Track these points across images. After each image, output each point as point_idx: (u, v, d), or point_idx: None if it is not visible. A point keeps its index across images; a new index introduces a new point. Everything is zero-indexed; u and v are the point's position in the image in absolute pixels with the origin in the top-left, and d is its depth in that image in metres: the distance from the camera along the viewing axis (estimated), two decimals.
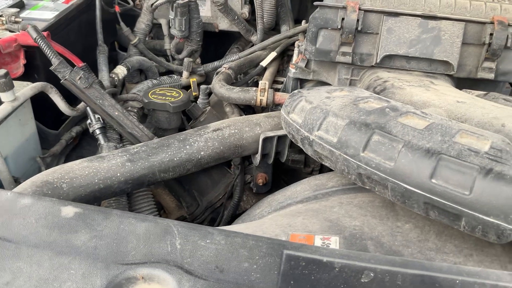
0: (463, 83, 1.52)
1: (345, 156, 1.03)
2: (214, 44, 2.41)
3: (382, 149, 0.97)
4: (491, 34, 1.39)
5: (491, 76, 1.44)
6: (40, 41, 1.44)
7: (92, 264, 0.71)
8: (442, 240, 1.02)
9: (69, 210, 0.80)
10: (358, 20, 1.43)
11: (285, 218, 1.16)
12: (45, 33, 1.53)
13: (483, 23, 1.42)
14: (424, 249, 1.00)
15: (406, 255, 0.98)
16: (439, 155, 0.90)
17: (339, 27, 1.45)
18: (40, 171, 1.45)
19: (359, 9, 1.43)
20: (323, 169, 1.70)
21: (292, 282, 0.69)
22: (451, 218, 0.91)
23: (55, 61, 1.43)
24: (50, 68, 1.44)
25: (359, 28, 1.44)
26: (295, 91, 1.29)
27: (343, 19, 1.43)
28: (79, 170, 1.20)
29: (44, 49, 1.44)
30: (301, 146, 1.21)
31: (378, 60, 1.46)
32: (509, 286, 0.69)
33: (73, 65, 1.52)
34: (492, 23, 1.40)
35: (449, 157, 0.90)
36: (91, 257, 0.72)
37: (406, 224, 1.07)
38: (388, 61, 1.48)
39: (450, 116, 1.16)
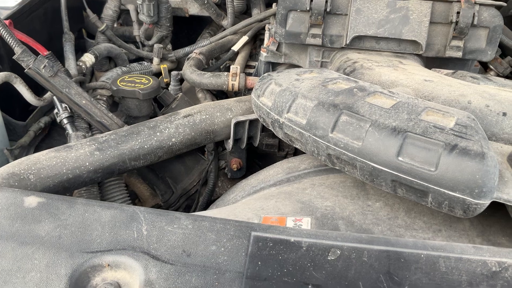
0: (432, 62, 1.53)
1: (314, 137, 1.04)
2: (186, 29, 2.38)
3: (350, 129, 0.97)
4: (458, 13, 1.40)
5: (459, 54, 1.46)
6: (2, 30, 1.40)
7: (56, 254, 0.70)
8: (411, 217, 1.03)
9: (32, 200, 0.78)
10: (326, 1, 1.42)
11: (258, 202, 1.16)
12: (7, 22, 1.48)
13: (450, 1, 1.42)
14: (394, 226, 1.01)
15: (376, 233, 0.99)
16: (405, 133, 0.91)
17: (308, 8, 1.44)
18: (8, 163, 1.42)
19: None
20: (297, 153, 1.70)
21: (259, 263, 0.69)
22: (418, 194, 0.92)
23: (18, 50, 1.38)
24: (13, 57, 1.40)
25: (328, 9, 1.43)
26: (265, 74, 1.28)
27: (311, 0, 1.42)
28: (46, 161, 1.17)
29: (6, 37, 1.40)
30: (272, 129, 1.21)
31: (347, 42, 1.46)
32: (472, 258, 0.70)
33: (38, 54, 1.48)
34: (458, 1, 1.41)
35: (415, 135, 0.90)
36: (55, 246, 0.71)
37: (377, 203, 1.08)
38: (358, 42, 1.48)
39: (418, 94, 1.17)
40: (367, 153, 0.94)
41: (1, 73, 1.45)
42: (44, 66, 1.38)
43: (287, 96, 1.12)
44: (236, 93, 1.76)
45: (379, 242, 0.72)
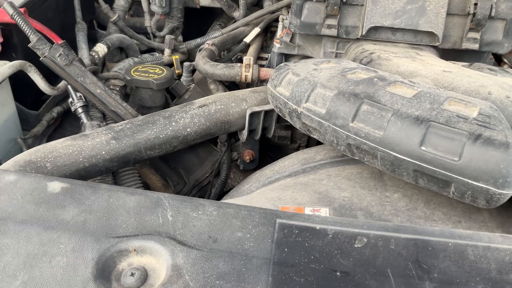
0: (448, 54, 1.52)
1: (334, 127, 1.03)
2: (196, 21, 2.37)
3: (371, 119, 0.97)
4: (476, 4, 1.39)
5: (475, 46, 1.44)
6: (17, 18, 1.39)
7: (82, 238, 0.70)
8: (430, 208, 1.03)
9: (55, 185, 0.78)
10: None
11: (274, 192, 1.15)
12: (22, 10, 1.47)
13: None
14: (413, 217, 1.01)
15: None
16: (428, 122, 0.90)
17: None
18: (21, 152, 1.42)
19: None
20: (309, 145, 1.69)
21: (286, 249, 0.69)
22: (441, 185, 0.91)
23: (33, 38, 1.38)
24: (28, 45, 1.39)
25: (344, 0, 1.42)
26: (282, 64, 1.28)
27: None
28: (63, 149, 1.17)
29: (22, 25, 1.39)
30: (288, 120, 1.20)
31: (363, 32, 1.45)
32: (501, 247, 0.70)
33: (52, 43, 1.47)
34: None
35: (438, 124, 0.90)
36: (81, 231, 0.71)
37: (395, 194, 1.08)
38: (374, 33, 1.47)
39: (437, 85, 1.16)
40: (389, 143, 0.93)
41: (16, 61, 1.45)
42: (60, 54, 1.38)
43: (305, 86, 1.11)
44: (249, 85, 1.75)
45: (406, 231, 0.71)
